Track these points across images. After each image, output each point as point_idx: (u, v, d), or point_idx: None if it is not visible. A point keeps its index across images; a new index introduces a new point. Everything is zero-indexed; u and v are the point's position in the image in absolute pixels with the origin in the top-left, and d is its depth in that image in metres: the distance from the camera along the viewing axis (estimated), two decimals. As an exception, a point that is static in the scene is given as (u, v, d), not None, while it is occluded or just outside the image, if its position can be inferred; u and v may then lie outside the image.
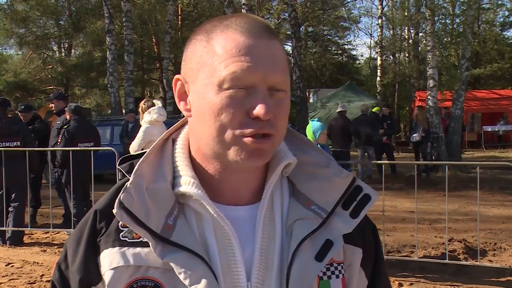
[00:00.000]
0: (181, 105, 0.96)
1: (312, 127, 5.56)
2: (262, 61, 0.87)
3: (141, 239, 0.90)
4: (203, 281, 0.86)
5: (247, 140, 0.87)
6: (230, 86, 0.86)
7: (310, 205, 0.95)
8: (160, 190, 0.92)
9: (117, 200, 0.88)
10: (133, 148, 6.06)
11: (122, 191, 0.89)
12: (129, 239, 0.92)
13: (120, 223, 0.92)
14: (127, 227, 0.92)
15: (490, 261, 5.97)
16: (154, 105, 6.35)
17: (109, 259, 0.91)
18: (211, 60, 0.89)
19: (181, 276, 0.87)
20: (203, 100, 0.89)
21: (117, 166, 1.00)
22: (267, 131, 0.87)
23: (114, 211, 0.88)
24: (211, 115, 0.88)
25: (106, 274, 0.91)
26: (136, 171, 0.92)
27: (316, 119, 5.70)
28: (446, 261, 5.52)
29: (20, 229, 7.01)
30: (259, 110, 0.85)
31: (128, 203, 0.88)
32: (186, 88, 0.95)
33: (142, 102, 6.60)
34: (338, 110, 12.64)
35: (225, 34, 0.89)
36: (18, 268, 5.83)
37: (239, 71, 0.86)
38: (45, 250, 6.63)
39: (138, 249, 0.91)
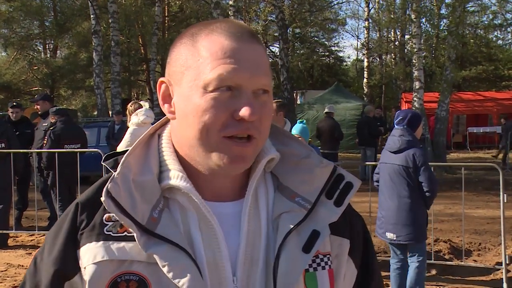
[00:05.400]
0: (165, 108, 0.97)
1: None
2: (247, 64, 0.88)
3: (125, 233, 0.91)
4: (187, 274, 0.86)
5: (230, 143, 0.88)
6: (215, 88, 0.87)
7: (295, 198, 0.96)
8: (146, 182, 0.92)
9: (104, 189, 0.88)
10: (120, 150, 6.04)
11: (109, 181, 0.90)
12: (113, 233, 0.91)
13: (105, 217, 0.92)
14: (112, 221, 0.92)
15: (475, 261, 6.04)
16: (141, 107, 6.33)
17: (92, 253, 0.91)
18: (196, 63, 0.90)
19: (165, 269, 0.87)
20: (188, 102, 0.90)
21: (102, 163, 1.00)
22: (251, 133, 0.88)
23: (102, 199, 0.88)
24: (195, 117, 0.89)
25: (88, 268, 0.90)
26: (123, 162, 0.92)
27: (303, 121, 5.46)
28: (432, 261, 5.57)
29: (5, 231, 6.93)
30: (244, 111, 0.86)
31: (115, 192, 0.89)
32: (171, 91, 0.96)
33: (130, 104, 6.58)
34: (325, 111, 12.66)
35: (210, 37, 0.90)
36: (2, 271, 5.76)
37: (225, 73, 0.87)
38: (30, 253, 6.55)
39: (122, 244, 0.91)
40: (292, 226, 0.93)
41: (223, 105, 0.87)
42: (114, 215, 0.89)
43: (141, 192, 0.91)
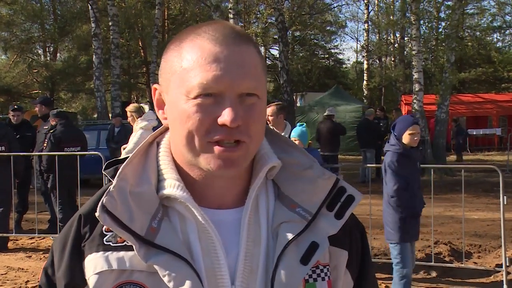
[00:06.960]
0: (159, 114, 0.98)
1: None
2: (230, 69, 0.87)
3: (125, 243, 0.90)
4: (187, 283, 0.86)
5: (216, 148, 0.88)
6: (197, 95, 0.87)
7: (295, 208, 0.95)
8: (144, 193, 0.92)
9: (99, 204, 0.88)
10: (128, 152, 6.05)
11: (105, 195, 0.89)
12: (112, 243, 0.92)
13: (104, 227, 0.93)
14: (111, 232, 0.92)
15: (475, 263, 6.05)
16: (144, 111, 6.38)
17: (94, 264, 0.91)
18: (180, 69, 0.90)
19: (165, 279, 0.87)
20: (175, 109, 0.91)
21: (103, 171, 1.00)
22: (238, 138, 0.88)
23: (97, 214, 0.88)
24: (181, 123, 0.89)
25: (91, 279, 0.91)
26: (119, 174, 0.92)
27: (303, 124, 5.38)
28: (432, 263, 5.57)
29: (5, 234, 6.93)
30: (225, 118, 0.86)
31: (111, 206, 0.88)
32: (163, 97, 0.97)
33: (133, 109, 6.60)
34: (325, 114, 12.63)
35: (194, 42, 0.90)
36: (2, 274, 5.75)
37: (205, 81, 0.86)
38: (30, 256, 6.55)
39: (122, 253, 0.91)
40: (292, 237, 0.92)
41: (206, 110, 0.87)
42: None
43: (139, 203, 0.91)
